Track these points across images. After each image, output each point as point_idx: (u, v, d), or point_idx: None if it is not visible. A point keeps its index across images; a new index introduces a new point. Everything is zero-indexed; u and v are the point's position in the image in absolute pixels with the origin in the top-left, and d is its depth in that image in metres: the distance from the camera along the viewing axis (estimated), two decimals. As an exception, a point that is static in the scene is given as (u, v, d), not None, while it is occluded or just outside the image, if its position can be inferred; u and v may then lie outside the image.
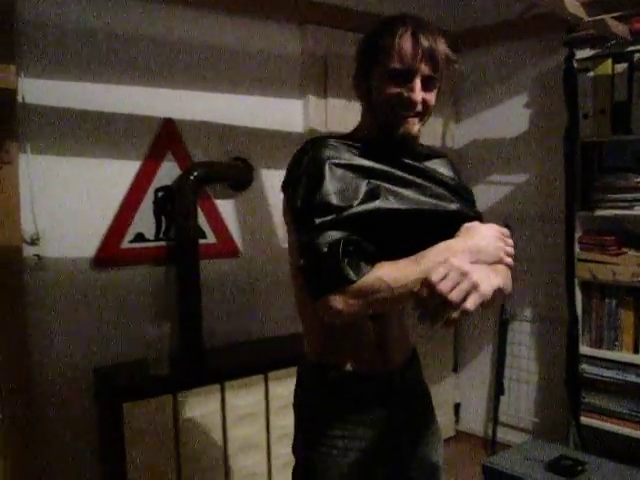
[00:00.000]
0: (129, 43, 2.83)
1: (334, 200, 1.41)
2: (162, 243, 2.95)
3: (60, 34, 2.65)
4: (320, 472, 1.59)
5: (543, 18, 3.30)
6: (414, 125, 1.52)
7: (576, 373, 3.35)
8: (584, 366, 3.35)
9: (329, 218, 1.39)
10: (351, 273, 1.36)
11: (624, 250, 3.21)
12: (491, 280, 1.33)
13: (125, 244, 2.85)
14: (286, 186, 1.54)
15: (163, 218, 2.95)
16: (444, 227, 1.51)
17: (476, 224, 1.53)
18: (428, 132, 3.96)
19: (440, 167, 1.70)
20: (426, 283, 1.29)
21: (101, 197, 2.78)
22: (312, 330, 1.66)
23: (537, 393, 3.86)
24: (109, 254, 2.80)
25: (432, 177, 1.61)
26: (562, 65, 3.32)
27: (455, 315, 1.28)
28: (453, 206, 1.58)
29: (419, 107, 1.49)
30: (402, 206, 1.49)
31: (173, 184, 2.96)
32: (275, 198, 3.28)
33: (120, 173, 2.83)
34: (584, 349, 3.35)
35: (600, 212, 3.25)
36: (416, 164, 1.60)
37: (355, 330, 1.60)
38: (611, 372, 3.27)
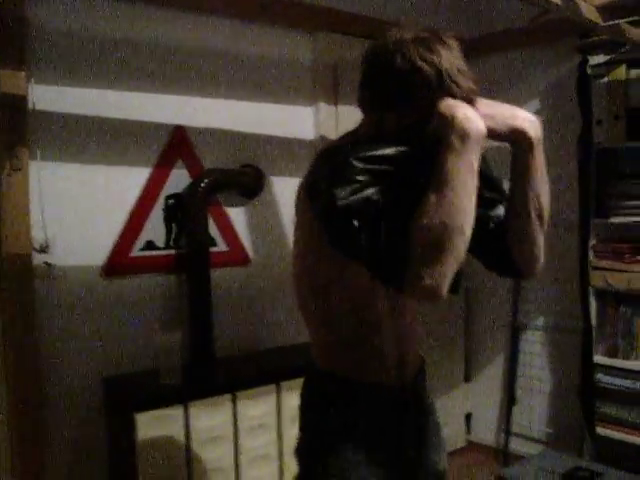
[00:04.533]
0: (139, 50, 2.81)
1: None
2: (172, 251, 2.92)
3: (70, 41, 2.63)
4: None
5: (555, 24, 3.27)
6: None
7: (591, 383, 3.31)
8: (599, 375, 3.30)
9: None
10: None
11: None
12: None
13: (135, 252, 2.81)
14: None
15: (173, 226, 2.92)
16: None
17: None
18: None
19: None
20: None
21: (111, 204, 2.75)
22: (320, 335, 1.62)
23: (550, 403, 3.81)
24: (119, 262, 2.77)
25: None
26: (575, 71, 3.29)
27: None
28: None
29: None
30: None
31: (183, 191, 2.93)
32: (285, 205, 3.25)
33: (130, 180, 2.81)
34: (599, 358, 3.31)
35: (615, 219, 3.21)
36: None
37: (368, 336, 1.56)
38: (626, 381, 3.22)
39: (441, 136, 1.30)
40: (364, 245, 1.30)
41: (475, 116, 1.31)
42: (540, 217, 1.46)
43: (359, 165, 1.31)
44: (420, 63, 1.34)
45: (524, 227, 1.46)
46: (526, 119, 1.39)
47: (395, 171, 1.35)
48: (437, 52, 1.35)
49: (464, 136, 1.28)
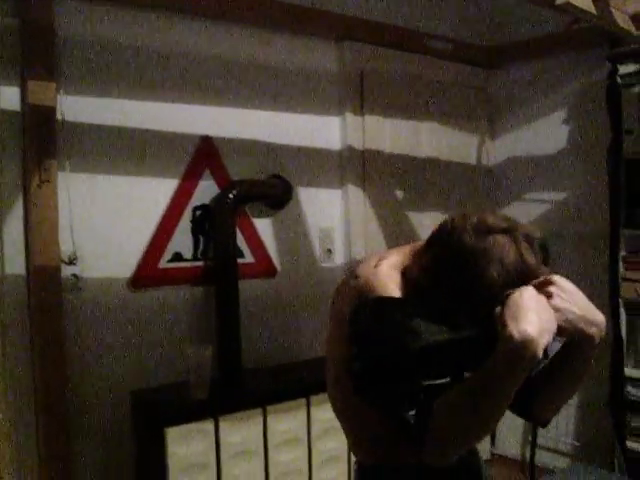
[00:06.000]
0: (166, 60, 2.80)
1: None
2: (200, 263, 2.90)
3: (98, 52, 2.62)
4: None
5: (584, 32, 3.24)
6: None
7: (621, 395, 3.26)
8: (629, 388, 3.25)
9: None
10: None
11: (671, 269, 3.13)
12: None
13: (163, 264, 2.79)
14: None
15: (201, 237, 2.90)
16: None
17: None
18: (461, 150, 3.89)
19: None
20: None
21: (139, 216, 2.74)
22: (362, 436, 1.54)
23: (578, 415, 3.75)
24: (147, 274, 2.75)
25: None
26: (605, 80, 3.25)
27: None
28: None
29: None
30: None
31: (211, 203, 2.91)
32: (312, 216, 3.23)
33: (158, 191, 2.79)
34: (629, 371, 3.26)
35: (646, 230, 3.17)
36: None
37: None
38: (658, 394, 3.18)
39: (497, 338, 1.21)
40: (388, 407, 1.30)
41: (536, 335, 1.17)
42: (573, 390, 1.43)
43: (409, 361, 1.25)
44: (488, 282, 1.26)
45: (556, 396, 1.44)
46: (599, 325, 1.31)
47: (444, 356, 1.30)
48: (509, 269, 1.27)
49: (514, 361, 1.18)
